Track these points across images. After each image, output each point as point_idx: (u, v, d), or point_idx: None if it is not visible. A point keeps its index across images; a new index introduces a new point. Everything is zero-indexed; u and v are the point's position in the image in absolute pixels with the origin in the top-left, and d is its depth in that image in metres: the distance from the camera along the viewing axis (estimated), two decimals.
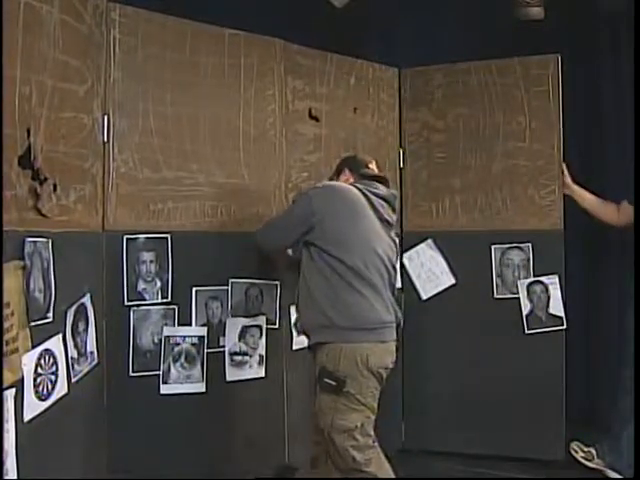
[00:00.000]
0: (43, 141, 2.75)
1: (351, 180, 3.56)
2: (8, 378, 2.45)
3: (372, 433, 3.28)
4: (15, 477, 2.45)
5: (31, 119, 2.68)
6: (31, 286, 2.63)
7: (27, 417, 2.59)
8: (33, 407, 2.64)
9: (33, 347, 2.64)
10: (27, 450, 2.52)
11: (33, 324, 2.64)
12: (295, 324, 3.61)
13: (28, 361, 2.61)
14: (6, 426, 2.41)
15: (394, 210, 3.58)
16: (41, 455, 2.66)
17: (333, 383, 3.21)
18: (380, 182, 3.56)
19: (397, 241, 3.64)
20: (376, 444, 3.29)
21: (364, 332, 3.25)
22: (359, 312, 3.27)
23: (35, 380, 2.66)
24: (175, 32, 3.74)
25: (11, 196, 2.55)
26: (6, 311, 2.44)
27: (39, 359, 2.69)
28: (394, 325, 3.41)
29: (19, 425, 2.50)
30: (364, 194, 3.42)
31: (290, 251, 3.70)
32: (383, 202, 3.48)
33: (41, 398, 2.71)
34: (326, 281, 3.30)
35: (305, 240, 3.38)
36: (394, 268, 3.51)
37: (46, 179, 2.76)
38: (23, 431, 2.52)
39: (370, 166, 3.65)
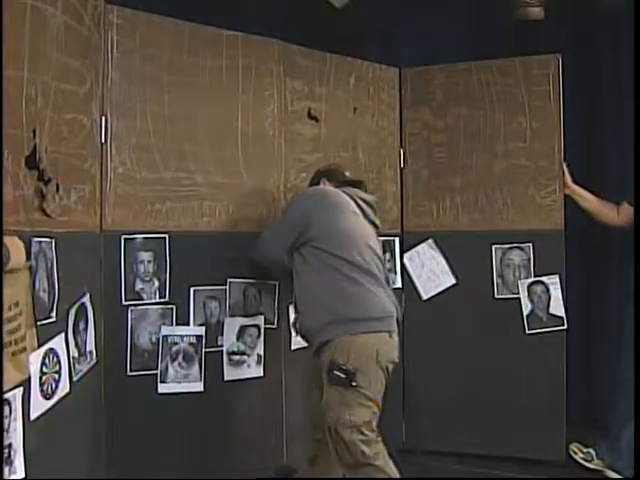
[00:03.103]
0: (47, 142, 2.76)
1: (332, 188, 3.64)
2: (17, 377, 2.46)
3: (376, 429, 3.30)
4: (23, 476, 2.46)
5: (37, 120, 2.69)
6: (36, 286, 2.64)
7: (33, 416, 2.60)
8: (39, 406, 2.65)
9: (39, 346, 2.66)
10: (33, 449, 2.53)
11: (38, 323, 2.64)
12: (294, 324, 3.62)
13: (34, 360, 2.62)
14: (14, 424, 2.43)
15: (376, 214, 3.66)
16: (45, 454, 2.66)
17: (343, 376, 3.22)
18: (359, 188, 3.66)
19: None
20: (380, 439, 3.30)
21: (371, 322, 3.30)
22: (364, 302, 3.32)
23: (41, 379, 2.68)
24: (173, 33, 3.75)
25: (19, 197, 2.57)
26: (15, 310, 2.45)
27: (44, 358, 2.71)
28: (395, 316, 3.44)
29: (26, 424, 2.51)
30: (351, 197, 3.51)
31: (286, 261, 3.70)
32: (368, 206, 3.58)
33: (46, 397, 2.72)
34: (326, 278, 3.34)
35: (300, 242, 3.42)
36: (384, 265, 3.59)
37: (50, 179, 2.76)
38: (30, 430, 2.53)
39: (346, 174, 3.75)
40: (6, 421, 2.36)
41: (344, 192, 3.53)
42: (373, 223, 3.61)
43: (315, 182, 3.76)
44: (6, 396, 2.36)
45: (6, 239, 2.30)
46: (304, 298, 3.46)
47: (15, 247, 2.38)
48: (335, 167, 3.84)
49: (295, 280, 3.50)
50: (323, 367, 3.32)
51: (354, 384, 3.21)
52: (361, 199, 3.56)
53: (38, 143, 2.66)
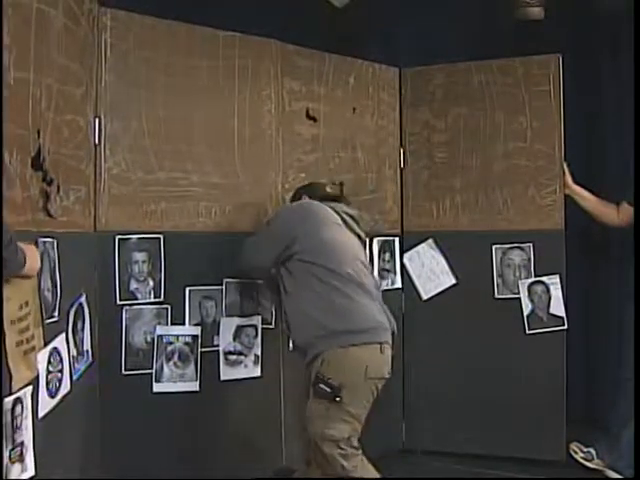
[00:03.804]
0: (50, 143, 2.78)
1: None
2: (27, 376, 2.51)
3: (357, 444, 3.29)
4: (33, 474, 2.49)
5: (41, 121, 2.73)
6: (42, 285, 2.68)
7: (41, 414, 2.64)
8: (46, 404, 2.70)
9: (44, 345, 2.70)
10: (41, 446, 2.57)
11: (44, 323, 2.69)
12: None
13: (41, 359, 2.66)
14: (25, 422, 2.46)
15: (360, 227, 3.65)
16: (49, 452, 2.69)
17: (328, 389, 3.21)
18: (342, 202, 3.66)
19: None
20: (360, 451, 3.31)
21: (361, 334, 3.27)
22: (352, 313, 3.30)
23: (46, 378, 2.71)
24: (167, 35, 3.75)
25: (26, 197, 2.61)
26: (25, 310, 2.49)
27: (49, 357, 2.74)
28: (389, 329, 3.42)
29: (35, 422, 2.55)
30: (335, 211, 3.50)
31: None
32: (352, 220, 3.58)
33: (51, 395, 2.76)
34: (315, 292, 3.33)
35: (285, 256, 3.40)
36: (374, 277, 3.63)
37: (52, 180, 2.78)
38: (37, 428, 2.56)
39: (327, 189, 3.72)
40: (18, 419, 2.40)
41: (328, 206, 3.52)
42: (359, 236, 3.61)
43: (297, 198, 3.73)
44: (18, 394, 2.41)
45: (23, 245, 2.34)
46: (294, 314, 3.44)
47: (31, 254, 2.42)
48: (315, 184, 3.83)
49: (284, 298, 3.48)
50: (311, 379, 3.32)
51: (338, 399, 3.20)
52: (345, 213, 3.56)
53: (42, 144, 2.68)
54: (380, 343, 3.31)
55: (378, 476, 3.31)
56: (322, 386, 3.22)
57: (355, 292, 3.32)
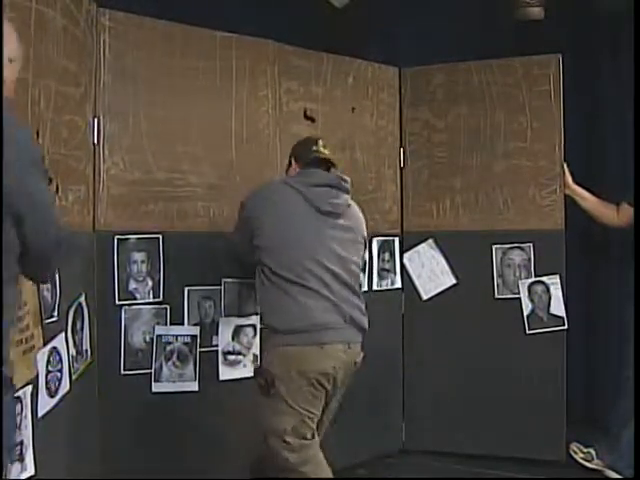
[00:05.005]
0: (49, 143, 2.80)
1: (297, 171, 3.46)
2: (26, 375, 2.52)
3: (308, 435, 3.21)
4: (33, 473, 2.50)
5: (40, 121, 2.75)
6: (41, 285, 2.67)
7: (40, 413, 2.64)
8: (45, 403, 2.70)
9: (44, 345, 2.71)
10: (41, 446, 2.57)
11: (43, 322, 2.70)
12: None
13: (41, 358, 2.67)
14: (25, 422, 2.47)
15: (345, 191, 3.42)
16: (48, 451, 2.70)
17: (262, 382, 3.20)
18: (328, 164, 3.46)
19: (355, 224, 3.48)
20: (312, 442, 3.23)
21: (298, 335, 3.18)
22: (293, 315, 3.20)
23: (46, 377, 2.72)
24: (165, 36, 3.76)
25: None
26: (24, 309, 2.50)
27: (49, 357, 2.76)
28: (342, 326, 3.27)
29: (34, 421, 2.56)
30: (298, 190, 3.31)
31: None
32: (323, 189, 3.34)
33: (51, 395, 2.77)
34: (265, 288, 3.31)
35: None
36: (348, 262, 3.36)
37: (51, 180, 2.78)
38: (37, 427, 2.57)
39: (315, 148, 3.45)
40: (18, 418, 2.40)
41: (290, 186, 3.33)
42: (329, 212, 3.33)
43: (289, 160, 3.56)
44: (17, 394, 2.41)
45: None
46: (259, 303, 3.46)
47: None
48: (306, 142, 3.55)
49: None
50: None
51: (272, 392, 3.17)
52: (314, 185, 3.32)
53: (40, 144, 2.69)
54: (321, 344, 3.20)
55: (330, 473, 3.23)
56: (258, 379, 3.23)
57: (301, 293, 3.20)
